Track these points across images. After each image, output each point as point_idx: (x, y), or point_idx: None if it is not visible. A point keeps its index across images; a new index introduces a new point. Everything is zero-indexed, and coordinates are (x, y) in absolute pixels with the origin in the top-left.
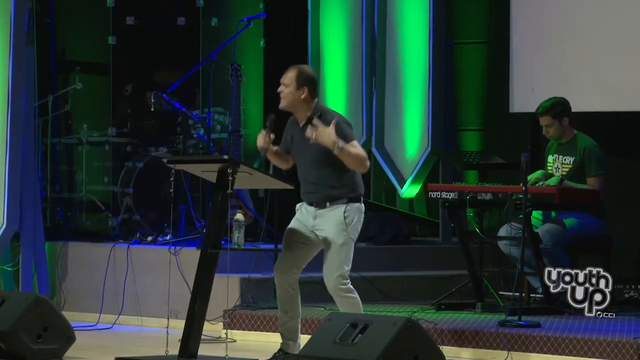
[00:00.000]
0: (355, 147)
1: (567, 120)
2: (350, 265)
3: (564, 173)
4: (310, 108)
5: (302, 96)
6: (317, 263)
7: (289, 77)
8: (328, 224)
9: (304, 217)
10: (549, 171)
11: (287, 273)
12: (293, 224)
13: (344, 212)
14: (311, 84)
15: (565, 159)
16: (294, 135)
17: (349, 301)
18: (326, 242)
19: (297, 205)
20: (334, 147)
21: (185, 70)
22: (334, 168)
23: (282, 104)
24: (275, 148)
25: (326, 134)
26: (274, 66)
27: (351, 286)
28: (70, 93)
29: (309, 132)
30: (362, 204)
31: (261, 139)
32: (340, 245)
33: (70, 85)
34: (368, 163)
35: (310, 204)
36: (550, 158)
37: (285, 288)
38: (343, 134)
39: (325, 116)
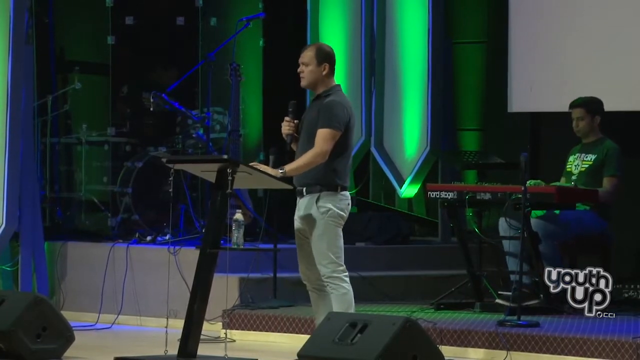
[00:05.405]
0: (305, 157)
1: (599, 120)
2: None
3: (583, 169)
4: (327, 85)
5: (324, 72)
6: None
7: (308, 55)
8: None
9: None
10: (568, 169)
11: (304, 273)
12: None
13: (317, 200)
14: (331, 60)
15: (586, 157)
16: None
17: None
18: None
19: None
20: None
21: (184, 70)
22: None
23: (303, 83)
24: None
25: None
26: (273, 66)
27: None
28: (69, 93)
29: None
30: (341, 193)
31: (287, 126)
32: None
33: (70, 85)
34: (320, 157)
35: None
36: (571, 158)
37: (311, 289)
38: (328, 115)
39: (329, 97)
